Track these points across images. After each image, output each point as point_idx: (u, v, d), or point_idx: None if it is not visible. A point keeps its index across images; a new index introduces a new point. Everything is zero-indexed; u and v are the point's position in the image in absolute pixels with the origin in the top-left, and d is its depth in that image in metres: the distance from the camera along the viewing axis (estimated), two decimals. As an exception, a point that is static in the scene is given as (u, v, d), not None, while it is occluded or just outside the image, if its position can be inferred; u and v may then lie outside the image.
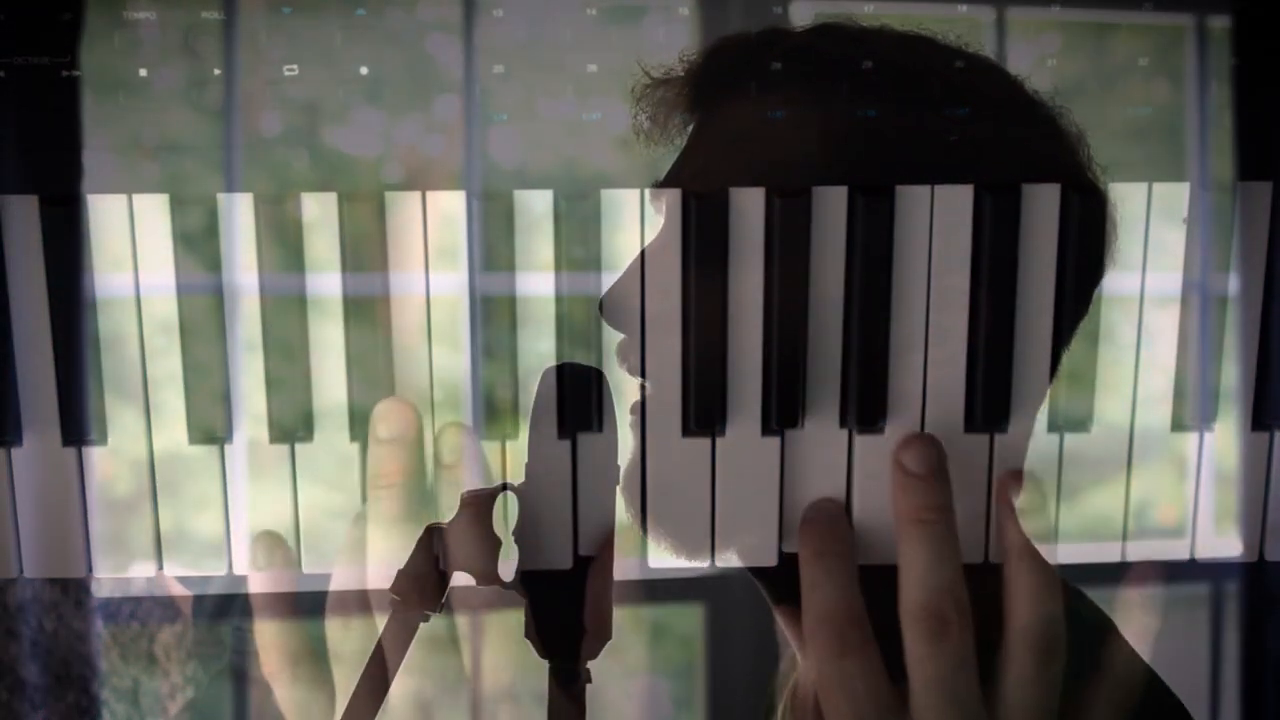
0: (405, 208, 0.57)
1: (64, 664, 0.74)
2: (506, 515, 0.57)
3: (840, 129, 0.60)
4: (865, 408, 0.57)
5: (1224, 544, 0.61)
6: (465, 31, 0.59)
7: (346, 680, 0.56)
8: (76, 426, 0.57)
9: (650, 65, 0.60)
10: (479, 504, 0.56)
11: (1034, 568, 0.55)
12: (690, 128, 0.63)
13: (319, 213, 0.57)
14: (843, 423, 0.58)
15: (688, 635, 0.81)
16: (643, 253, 0.57)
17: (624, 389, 0.58)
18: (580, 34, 0.59)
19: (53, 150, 0.58)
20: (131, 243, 0.57)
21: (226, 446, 0.58)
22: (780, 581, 0.60)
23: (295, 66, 0.58)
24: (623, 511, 0.59)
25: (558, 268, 0.57)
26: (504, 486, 0.57)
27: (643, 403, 0.58)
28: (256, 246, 0.57)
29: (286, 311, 0.57)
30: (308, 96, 0.59)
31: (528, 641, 0.57)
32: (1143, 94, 0.61)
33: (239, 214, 0.57)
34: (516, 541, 0.57)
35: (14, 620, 0.73)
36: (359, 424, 0.58)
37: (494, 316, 0.58)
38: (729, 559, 0.59)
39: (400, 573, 0.55)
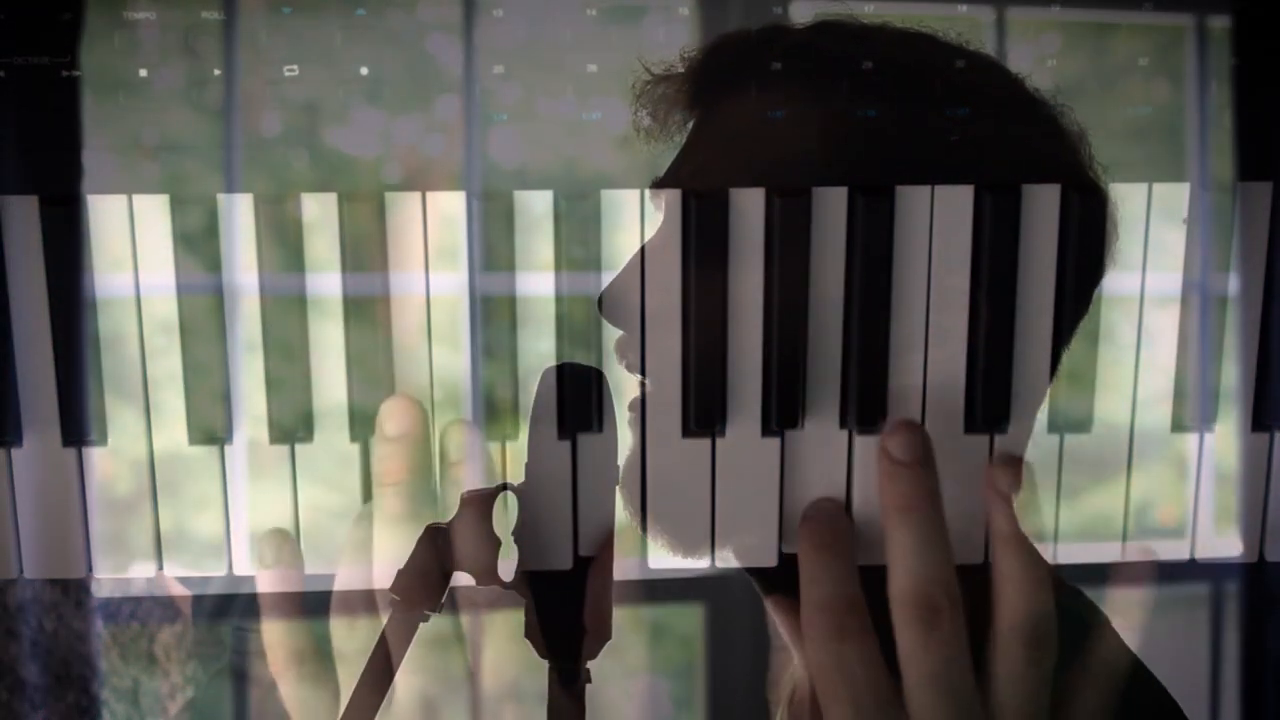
0: (405, 208, 0.57)
1: (64, 664, 0.74)
2: (506, 515, 0.57)
3: (840, 128, 0.60)
4: (865, 408, 0.57)
5: (1224, 544, 0.61)
6: (465, 31, 0.59)
7: (350, 679, 0.56)
8: (76, 426, 0.57)
9: (651, 62, 0.60)
10: (479, 504, 0.56)
11: (1024, 559, 0.55)
12: (690, 125, 0.63)
13: (319, 213, 0.57)
14: (843, 423, 0.58)
15: (688, 635, 0.81)
16: (642, 249, 0.57)
17: (622, 386, 0.58)
18: (580, 34, 0.59)
19: (53, 150, 0.58)
20: (131, 243, 0.57)
21: (226, 446, 0.58)
22: (775, 577, 0.60)
23: (295, 66, 0.58)
24: (622, 511, 0.59)
25: (558, 268, 0.57)
26: (504, 486, 0.57)
27: (642, 400, 0.58)
28: (256, 246, 0.57)
29: (286, 311, 0.57)
30: (308, 96, 0.59)
31: (528, 641, 0.57)
32: (1143, 94, 0.61)
33: (239, 214, 0.57)
34: (516, 541, 0.57)
35: (14, 620, 0.73)
36: (359, 424, 0.58)
37: (494, 316, 0.58)
38: (728, 558, 0.59)
39: (400, 572, 0.55)
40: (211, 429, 0.58)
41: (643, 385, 0.58)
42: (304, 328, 0.57)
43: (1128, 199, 0.58)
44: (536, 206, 0.57)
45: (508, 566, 0.57)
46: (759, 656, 0.75)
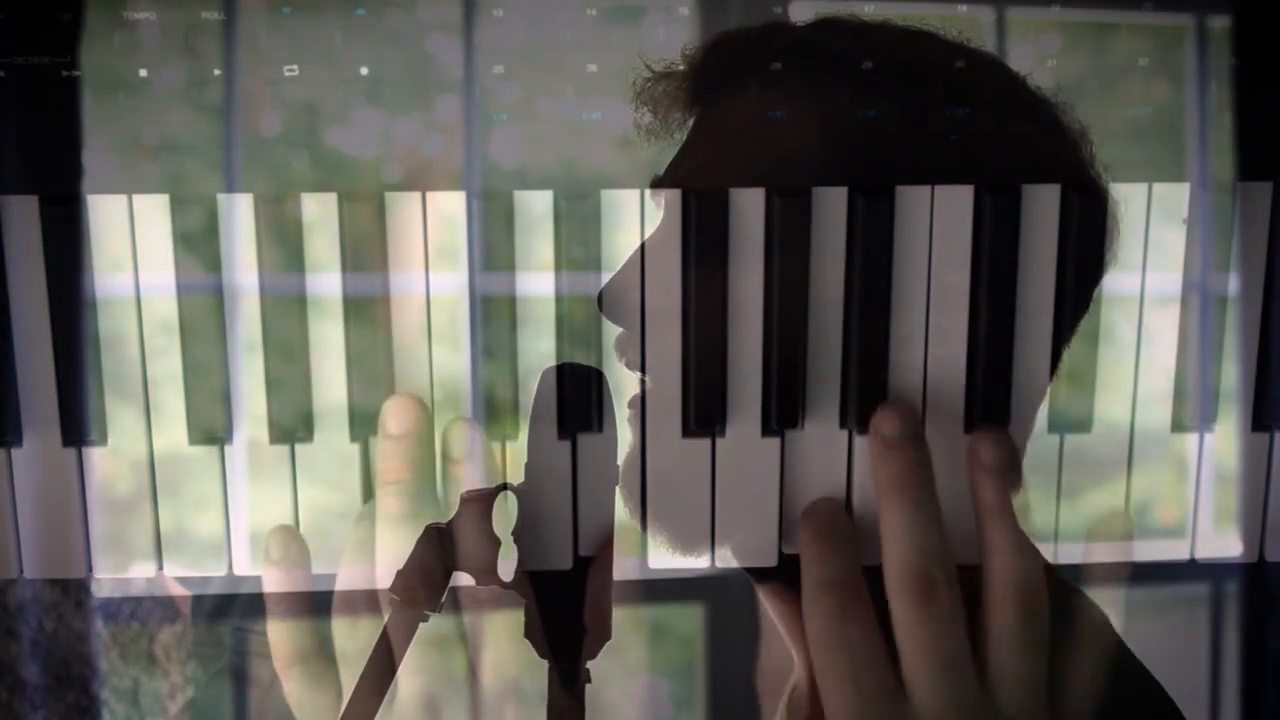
0: (405, 208, 0.57)
1: (64, 664, 0.74)
2: (506, 515, 0.57)
3: (840, 127, 0.60)
4: (865, 408, 0.57)
5: (1224, 544, 0.61)
6: (465, 31, 0.59)
7: (351, 678, 0.56)
8: (76, 426, 0.57)
9: (651, 59, 0.60)
10: (479, 504, 0.56)
11: (1011, 524, 0.55)
12: (690, 123, 0.63)
13: (319, 213, 0.57)
14: (843, 423, 0.58)
15: (688, 635, 0.81)
16: (642, 246, 0.57)
17: (622, 384, 0.58)
18: (580, 34, 0.59)
19: (53, 150, 0.58)
20: (131, 243, 0.57)
21: (226, 447, 0.58)
22: (771, 570, 0.60)
23: (295, 66, 0.58)
24: (622, 511, 0.59)
25: (558, 268, 0.57)
26: (504, 486, 0.57)
27: (642, 398, 0.58)
28: (256, 246, 0.57)
29: (286, 311, 0.57)
30: (308, 96, 0.59)
31: (528, 641, 0.57)
32: (1143, 94, 0.61)
33: (239, 214, 0.57)
34: (516, 541, 0.57)
35: (14, 620, 0.73)
36: (359, 424, 0.58)
37: (494, 316, 0.58)
38: (728, 558, 0.59)
39: (400, 572, 0.55)
40: (211, 429, 0.58)
41: (642, 383, 0.58)
42: (304, 328, 0.57)
43: (1128, 199, 0.58)
44: (536, 206, 0.57)
45: (508, 566, 0.57)
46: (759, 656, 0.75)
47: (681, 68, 0.61)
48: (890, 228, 0.57)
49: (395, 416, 0.55)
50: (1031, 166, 0.61)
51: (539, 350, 0.58)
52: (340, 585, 0.57)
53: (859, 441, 0.58)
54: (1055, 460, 0.59)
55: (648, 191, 0.58)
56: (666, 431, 0.58)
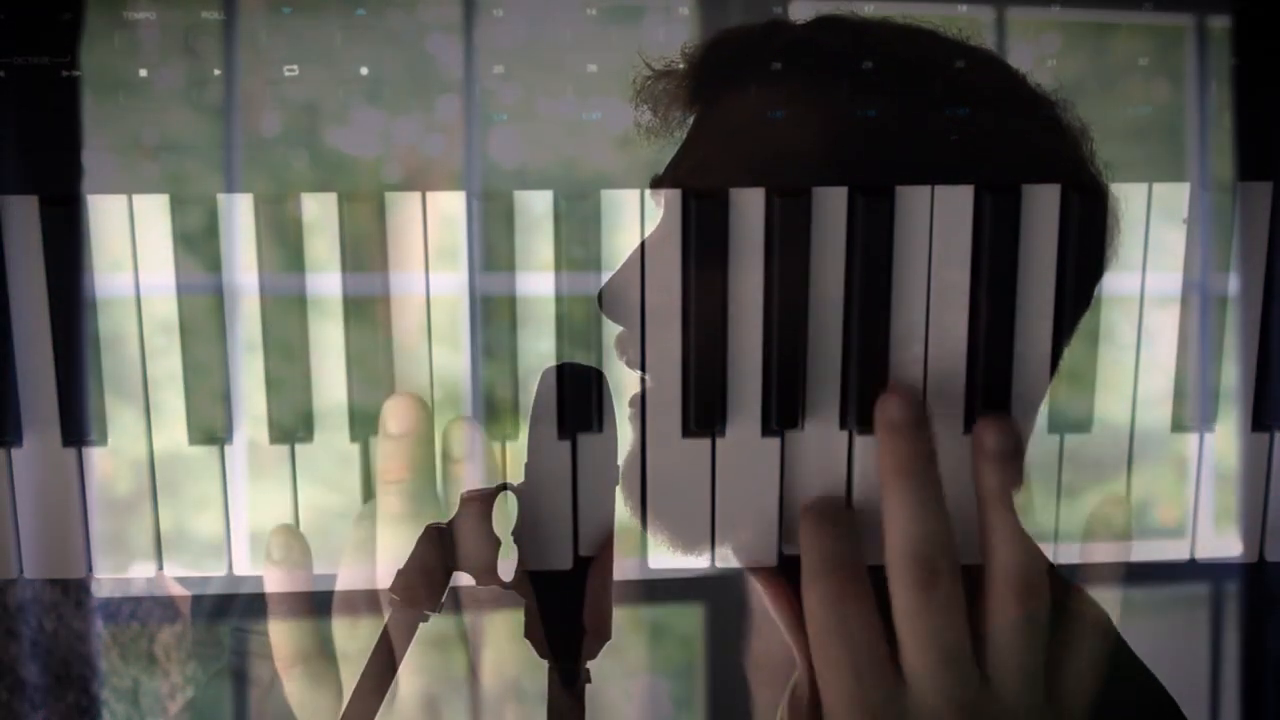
0: (405, 208, 0.57)
1: (64, 664, 0.74)
2: (506, 515, 0.57)
3: (840, 126, 0.60)
4: (865, 408, 0.57)
5: (1224, 544, 0.61)
6: (465, 31, 0.59)
7: (351, 678, 0.56)
8: (76, 426, 0.57)
9: (651, 57, 0.60)
10: (479, 504, 0.56)
11: (1013, 513, 0.55)
12: (690, 121, 0.63)
13: (319, 213, 0.57)
14: (843, 423, 0.58)
15: (688, 635, 0.81)
16: (642, 245, 0.57)
17: (622, 383, 0.58)
18: (580, 34, 0.59)
19: (53, 150, 0.58)
20: (131, 243, 0.57)
21: (226, 446, 0.58)
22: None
23: (295, 66, 0.58)
24: (622, 511, 0.59)
25: (558, 268, 0.57)
26: (504, 486, 0.57)
27: (642, 396, 0.58)
28: (256, 246, 0.57)
29: (286, 311, 0.57)
30: (308, 96, 0.59)
31: (528, 641, 0.57)
32: (1143, 94, 0.61)
33: (239, 214, 0.57)
34: (516, 541, 0.57)
35: (14, 620, 0.73)
36: (359, 424, 0.58)
37: (494, 316, 0.58)
38: (728, 557, 0.59)
39: (400, 572, 0.55)
40: (211, 429, 0.58)
41: (643, 381, 0.58)
42: (304, 328, 0.57)
43: (1128, 199, 0.58)
44: (536, 206, 0.57)
45: (508, 566, 0.57)
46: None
47: (681, 66, 0.61)
48: (890, 228, 0.57)
49: (395, 416, 0.55)
50: (1032, 164, 0.61)
51: (539, 350, 0.58)
52: (340, 585, 0.57)
53: (859, 442, 0.58)
54: (1055, 460, 0.59)
55: (648, 191, 0.58)
56: (666, 431, 0.58)
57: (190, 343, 0.57)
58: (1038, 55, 0.60)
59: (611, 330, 0.58)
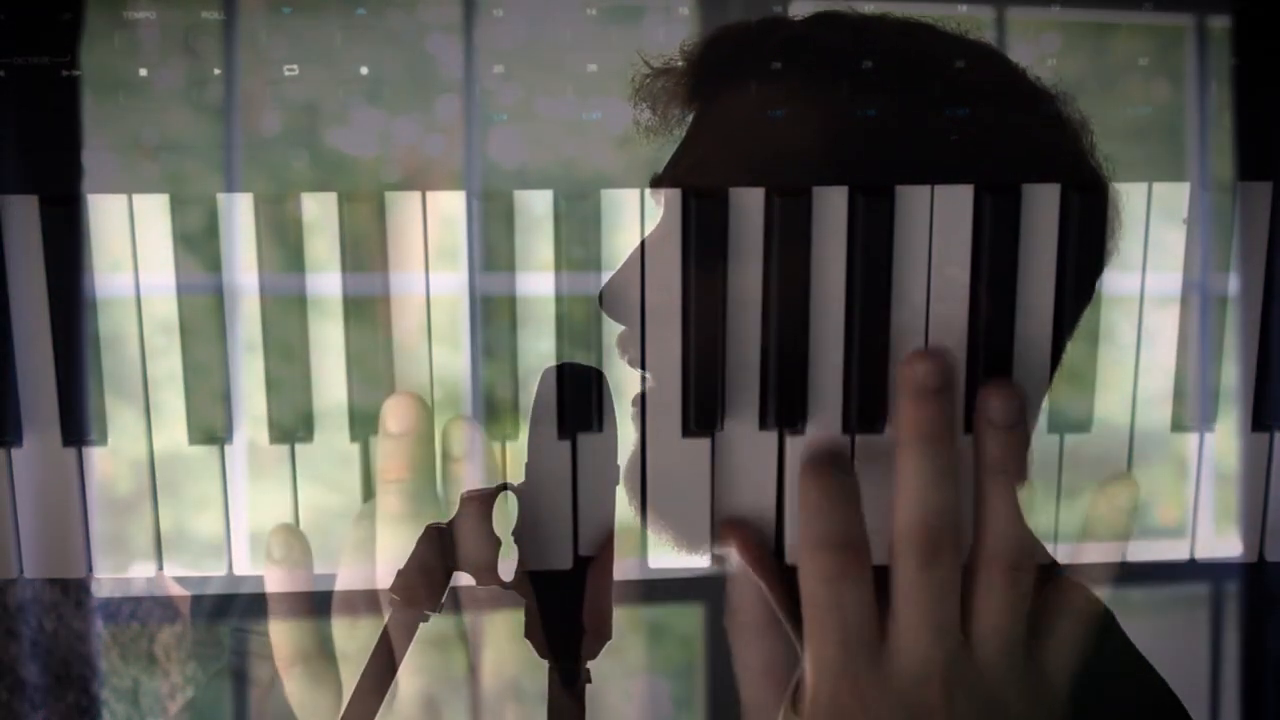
0: (405, 208, 0.57)
1: (64, 664, 0.74)
2: (506, 515, 0.57)
3: (840, 125, 0.60)
4: (865, 408, 0.57)
5: (1224, 544, 0.61)
6: (465, 31, 0.59)
7: (351, 678, 0.56)
8: (76, 426, 0.57)
9: (650, 55, 0.60)
10: (479, 503, 0.56)
11: (1007, 483, 0.55)
12: (690, 119, 0.63)
13: (319, 213, 0.57)
14: (843, 423, 0.58)
15: (688, 635, 0.81)
16: (642, 244, 0.57)
17: (623, 382, 0.58)
18: (580, 34, 0.59)
19: (53, 150, 0.58)
20: (131, 243, 0.57)
21: (226, 446, 0.58)
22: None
23: (295, 66, 0.58)
24: (623, 511, 0.59)
25: (558, 268, 0.57)
26: (504, 486, 0.57)
27: (643, 395, 0.58)
28: (256, 246, 0.57)
29: (286, 311, 0.57)
30: (308, 96, 0.59)
31: (528, 641, 0.57)
32: (1143, 94, 0.61)
33: (239, 214, 0.57)
34: (516, 541, 0.57)
35: (14, 620, 0.73)
36: (359, 424, 0.58)
37: (494, 316, 0.58)
38: (729, 556, 0.59)
39: (400, 572, 0.55)
40: (211, 429, 0.58)
41: (644, 380, 0.58)
42: (304, 328, 0.57)
43: (1128, 199, 0.58)
44: (536, 206, 0.57)
45: (508, 566, 0.57)
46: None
47: (680, 64, 0.61)
48: (890, 227, 0.57)
49: (395, 415, 0.55)
50: (1032, 158, 0.61)
51: (539, 350, 0.58)
52: (340, 585, 0.57)
53: (859, 441, 0.58)
54: (1055, 460, 0.59)
55: (648, 191, 0.58)
56: (667, 430, 0.58)
57: (190, 343, 0.57)
58: (1038, 55, 0.60)
59: (611, 330, 0.58)
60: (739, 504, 0.59)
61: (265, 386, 0.57)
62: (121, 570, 0.59)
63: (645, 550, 0.60)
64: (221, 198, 0.57)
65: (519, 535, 0.57)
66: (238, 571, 0.59)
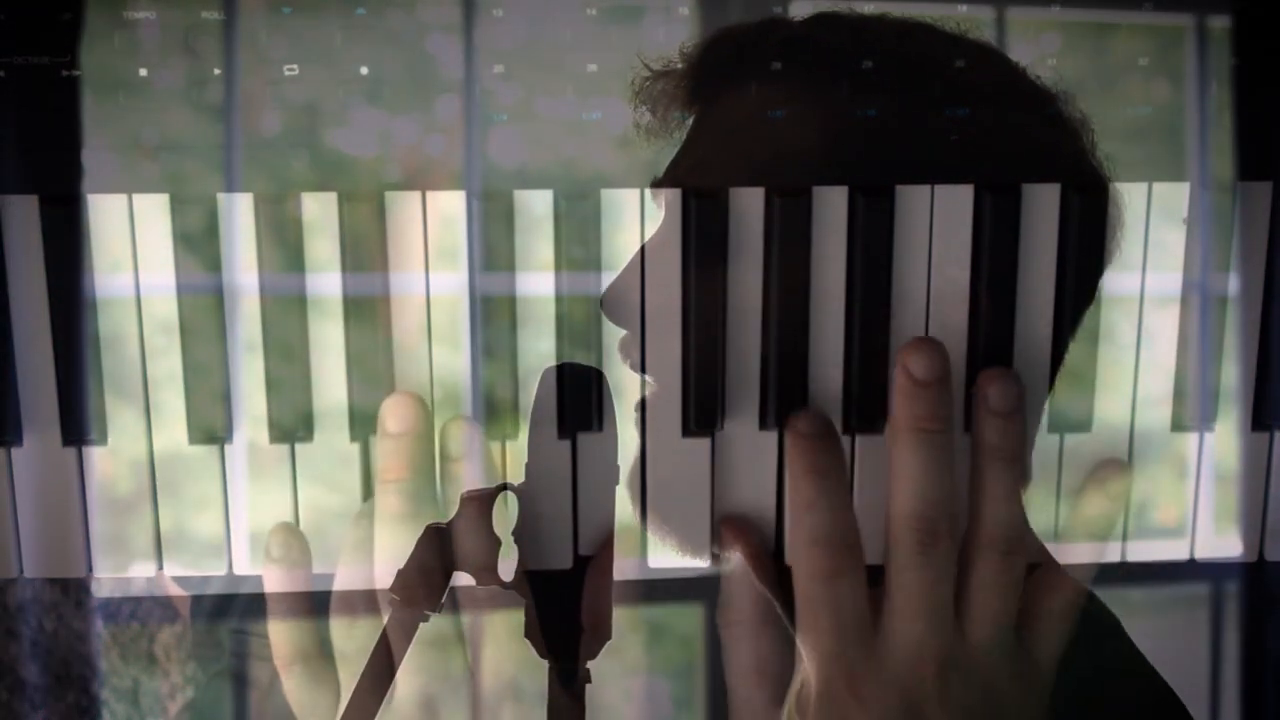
0: (405, 208, 0.57)
1: (64, 664, 0.74)
2: (506, 515, 0.57)
3: (840, 125, 0.60)
4: (865, 408, 0.57)
5: (1224, 544, 0.61)
6: (465, 31, 0.59)
7: (350, 678, 0.56)
8: (76, 426, 0.57)
9: (650, 58, 0.60)
10: (479, 503, 0.56)
11: (1004, 468, 0.55)
12: (690, 121, 0.63)
13: (319, 213, 0.57)
14: (844, 424, 0.58)
15: (688, 635, 0.81)
16: (643, 248, 0.57)
17: (626, 386, 0.58)
18: (580, 34, 0.59)
19: (53, 150, 0.58)
20: (131, 243, 0.57)
21: (226, 446, 0.58)
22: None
23: (295, 66, 0.58)
24: (623, 511, 0.59)
25: (558, 268, 0.57)
26: (504, 486, 0.57)
27: (644, 400, 0.58)
28: (256, 246, 0.57)
29: (286, 311, 0.57)
30: (308, 96, 0.59)
31: (528, 641, 0.57)
32: (1143, 94, 0.61)
33: (239, 214, 0.57)
34: (516, 541, 0.57)
35: (14, 620, 0.73)
36: (359, 424, 0.58)
37: (494, 316, 0.58)
38: (724, 555, 0.59)
39: (400, 572, 0.55)
40: (211, 429, 0.58)
41: (644, 384, 0.58)
42: (304, 328, 0.57)
43: (1128, 199, 0.58)
44: (536, 206, 0.57)
45: (508, 566, 0.57)
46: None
47: (680, 66, 0.61)
48: (890, 227, 0.57)
49: (395, 415, 0.55)
50: (1032, 158, 0.61)
51: (539, 350, 0.58)
52: (340, 584, 0.57)
53: (859, 441, 0.58)
54: (1055, 460, 0.59)
55: (648, 191, 0.58)
56: (667, 431, 0.58)
57: (190, 343, 0.57)
58: (1038, 55, 0.60)
59: (611, 330, 0.58)
60: (739, 504, 0.59)
61: (265, 386, 0.57)
62: (121, 570, 0.59)
63: (645, 550, 0.60)
64: (221, 198, 0.57)
65: (519, 535, 0.57)
66: (238, 571, 0.59)
